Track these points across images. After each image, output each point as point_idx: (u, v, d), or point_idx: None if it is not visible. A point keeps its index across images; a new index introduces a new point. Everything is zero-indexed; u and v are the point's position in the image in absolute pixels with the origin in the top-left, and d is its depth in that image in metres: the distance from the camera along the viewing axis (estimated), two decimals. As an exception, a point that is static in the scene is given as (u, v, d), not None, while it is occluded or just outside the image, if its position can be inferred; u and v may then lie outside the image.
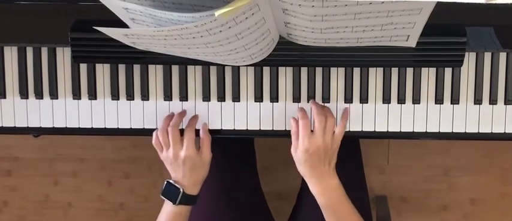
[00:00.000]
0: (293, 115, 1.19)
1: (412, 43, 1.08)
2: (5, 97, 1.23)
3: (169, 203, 1.16)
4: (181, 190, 1.15)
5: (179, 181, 1.16)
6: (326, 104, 1.20)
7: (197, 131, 1.18)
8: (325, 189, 1.14)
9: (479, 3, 0.81)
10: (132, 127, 1.23)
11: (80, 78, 1.22)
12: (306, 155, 1.12)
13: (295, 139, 1.14)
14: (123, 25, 1.01)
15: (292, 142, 1.15)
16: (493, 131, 1.21)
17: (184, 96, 1.21)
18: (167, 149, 1.15)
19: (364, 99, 1.20)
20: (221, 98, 1.21)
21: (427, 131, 1.21)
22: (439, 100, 1.20)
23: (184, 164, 1.15)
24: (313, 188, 1.15)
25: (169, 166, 1.17)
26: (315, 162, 1.12)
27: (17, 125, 1.24)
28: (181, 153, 1.14)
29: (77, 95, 1.22)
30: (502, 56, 1.19)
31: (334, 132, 1.14)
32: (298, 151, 1.13)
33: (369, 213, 1.39)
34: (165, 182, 1.17)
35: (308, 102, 1.20)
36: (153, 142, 1.17)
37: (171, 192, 1.16)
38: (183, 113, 1.19)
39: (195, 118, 1.19)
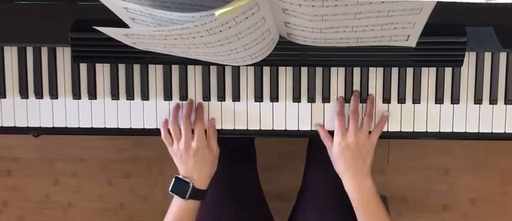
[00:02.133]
0: (293, 115, 1.20)
1: (412, 43, 1.08)
2: (5, 97, 1.23)
3: (179, 198, 1.17)
4: (190, 184, 1.16)
5: (188, 176, 1.17)
6: (326, 104, 1.20)
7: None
8: (358, 186, 1.15)
9: (479, 3, 0.81)
10: (132, 127, 1.23)
11: (80, 78, 1.22)
12: (340, 149, 1.15)
13: (327, 141, 1.18)
14: (123, 25, 1.01)
15: (326, 145, 1.18)
16: (493, 131, 1.21)
17: (184, 96, 1.21)
18: (178, 141, 1.16)
19: (364, 99, 1.20)
20: (221, 98, 1.21)
21: (427, 131, 1.21)
22: (439, 100, 1.20)
23: (195, 155, 1.15)
24: (347, 183, 1.16)
25: (178, 160, 1.17)
26: (348, 157, 1.14)
27: (17, 125, 1.24)
28: (193, 144, 1.15)
29: (77, 95, 1.22)
30: (502, 56, 1.19)
31: (369, 132, 1.16)
32: (333, 146, 1.16)
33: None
34: (174, 178, 1.17)
35: (308, 102, 1.20)
36: (163, 136, 1.18)
37: (181, 187, 1.16)
38: (191, 103, 1.20)
39: (201, 109, 1.20)
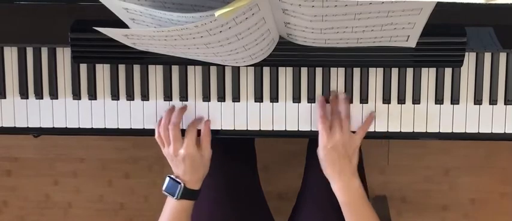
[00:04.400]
0: (293, 115, 1.20)
1: (412, 43, 1.08)
2: (5, 97, 1.23)
3: (172, 198, 1.17)
4: (182, 184, 1.16)
5: (180, 176, 1.17)
6: (326, 104, 1.20)
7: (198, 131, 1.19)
8: (345, 187, 1.16)
9: (479, 3, 0.81)
10: (132, 127, 1.23)
11: (80, 79, 1.22)
12: (325, 151, 1.15)
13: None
14: (123, 25, 1.01)
15: (319, 145, 1.18)
16: (493, 131, 1.21)
17: (184, 96, 1.21)
18: (168, 145, 1.16)
19: (364, 99, 1.20)
20: (221, 98, 1.21)
21: (427, 131, 1.21)
22: (439, 100, 1.20)
23: (184, 161, 1.15)
24: (334, 185, 1.17)
25: (170, 162, 1.18)
26: (334, 158, 1.15)
27: (17, 125, 1.24)
28: (181, 151, 1.15)
29: (77, 95, 1.22)
30: (502, 56, 1.19)
31: (352, 131, 1.16)
32: (319, 149, 1.16)
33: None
34: (167, 178, 1.18)
35: (308, 102, 1.20)
36: (156, 136, 1.18)
37: (173, 187, 1.17)
38: (183, 108, 1.20)
39: (199, 119, 1.20)
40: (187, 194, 1.17)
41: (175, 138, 1.15)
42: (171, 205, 1.18)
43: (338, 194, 1.17)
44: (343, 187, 1.16)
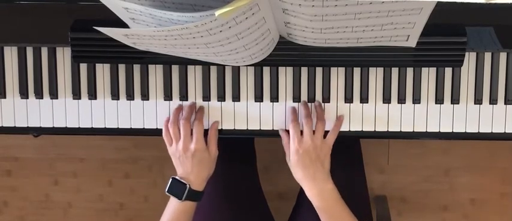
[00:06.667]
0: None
1: (412, 43, 1.08)
2: (5, 97, 1.23)
3: (175, 199, 1.17)
4: (187, 185, 1.16)
5: (185, 177, 1.17)
6: (326, 104, 1.20)
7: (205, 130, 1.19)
8: (319, 191, 1.15)
9: (479, 3, 0.81)
10: (132, 127, 1.23)
11: (80, 78, 1.22)
12: (297, 156, 1.15)
13: (287, 149, 1.18)
14: (123, 25, 1.01)
15: (285, 152, 1.18)
16: (493, 131, 1.21)
17: (184, 96, 1.21)
18: (177, 142, 1.16)
19: (364, 99, 1.20)
20: (221, 98, 1.21)
21: (427, 131, 1.21)
22: (439, 100, 1.20)
23: (193, 157, 1.15)
24: (308, 190, 1.16)
25: (177, 161, 1.18)
26: (306, 163, 1.14)
27: (17, 125, 1.24)
28: (192, 146, 1.15)
29: (77, 95, 1.22)
30: (502, 56, 1.19)
31: (325, 135, 1.16)
32: (291, 154, 1.16)
33: (369, 213, 1.39)
34: (171, 179, 1.17)
35: (308, 102, 1.20)
36: (163, 134, 1.18)
37: (177, 188, 1.16)
38: (193, 106, 1.20)
39: (201, 111, 1.20)
40: (191, 195, 1.17)
41: (186, 133, 1.15)
42: (174, 206, 1.17)
43: (313, 200, 1.16)
44: (318, 192, 1.15)
